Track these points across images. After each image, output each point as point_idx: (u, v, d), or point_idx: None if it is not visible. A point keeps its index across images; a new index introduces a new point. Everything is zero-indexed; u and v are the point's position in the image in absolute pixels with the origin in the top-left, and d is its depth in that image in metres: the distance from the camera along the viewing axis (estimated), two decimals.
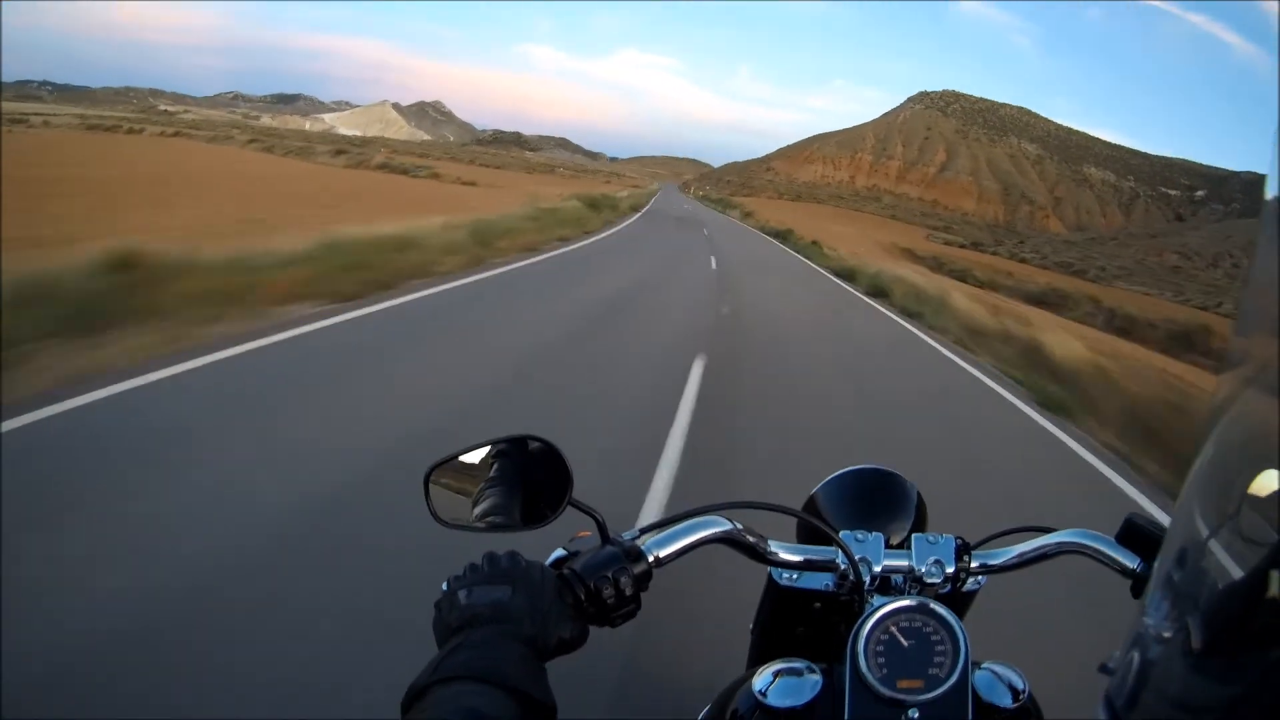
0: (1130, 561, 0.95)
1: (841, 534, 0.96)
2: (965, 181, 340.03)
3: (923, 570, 0.94)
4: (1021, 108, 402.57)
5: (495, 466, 0.93)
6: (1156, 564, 0.45)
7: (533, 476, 0.92)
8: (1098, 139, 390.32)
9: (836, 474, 1.21)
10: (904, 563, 0.95)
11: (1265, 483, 0.37)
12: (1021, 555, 1.00)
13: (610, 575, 0.82)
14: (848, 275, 23.44)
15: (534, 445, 0.92)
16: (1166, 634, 0.41)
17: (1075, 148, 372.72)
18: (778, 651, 0.96)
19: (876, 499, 1.18)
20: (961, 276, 45.63)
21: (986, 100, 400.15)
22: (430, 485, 0.91)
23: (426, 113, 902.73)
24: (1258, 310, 0.41)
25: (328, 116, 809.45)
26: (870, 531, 0.97)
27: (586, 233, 23.49)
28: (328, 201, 24.19)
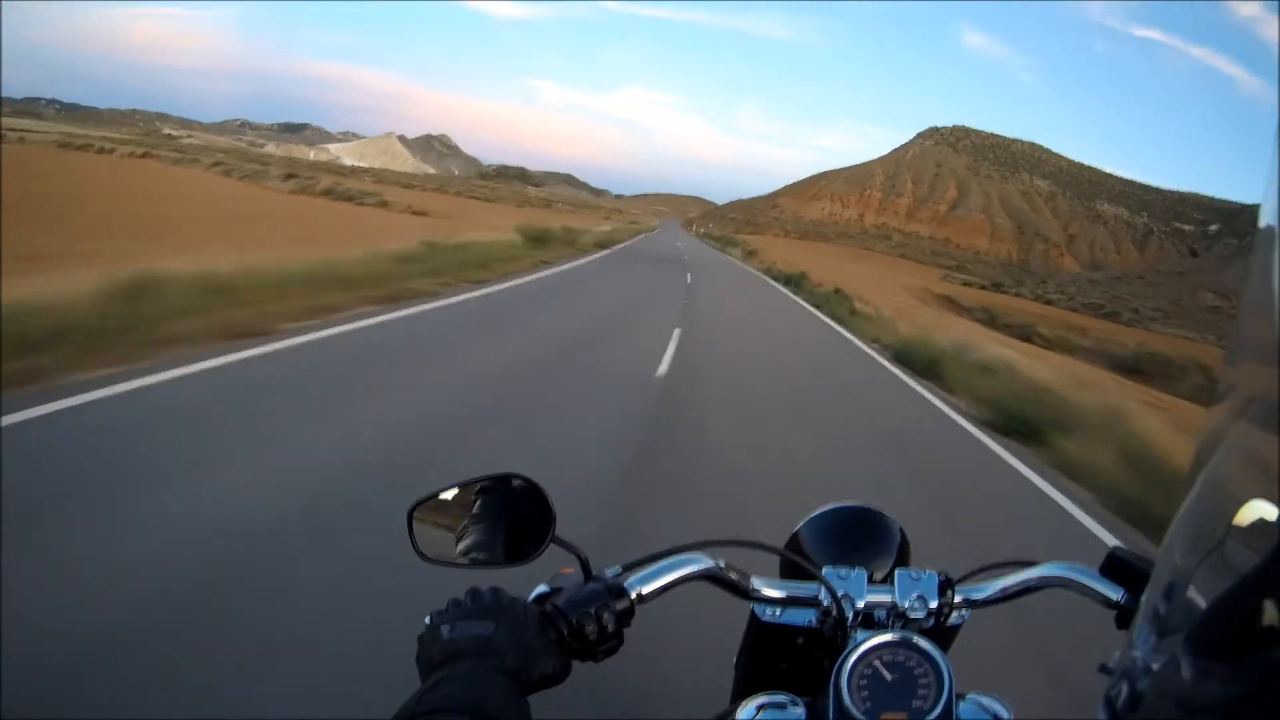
0: (1114, 594, 0.95)
1: (824, 570, 0.96)
2: (977, 219, 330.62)
3: (906, 605, 0.94)
4: (1032, 143, 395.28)
5: (478, 503, 0.94)
6: (1148, 588, 0.46)
7: (516, 513, 0.93)
8: (1109, 175, 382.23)
9: (819, 511, 1.22)
10: (887, 598, 0.95)
11: (1249, 513, 0.38)
12: (1005, 589, 1.00)
13: (593, 611, 0.82)
14: (928, 369, 12.25)
15: (517, 483, 0.93)
16: (1166, 636, 0.42)
17: (1087, 184, 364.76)
18: (761, 686, 0.97)
19: (859, 535, 1.18)
20: (1025, 335, 36.12)
21: (997, 136, 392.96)
22: (414, 522, 0.91)
23: (432, 146, 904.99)
24: (1249, 340, 0.41)
25: (333, 147, 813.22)
26: (853, 568, 0.98)
27: (493, 277, 16.03)
28: (215, 227, 20.77)
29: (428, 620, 0.82)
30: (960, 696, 0.86)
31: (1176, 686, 0.40)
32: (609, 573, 0.88)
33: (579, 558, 0.86)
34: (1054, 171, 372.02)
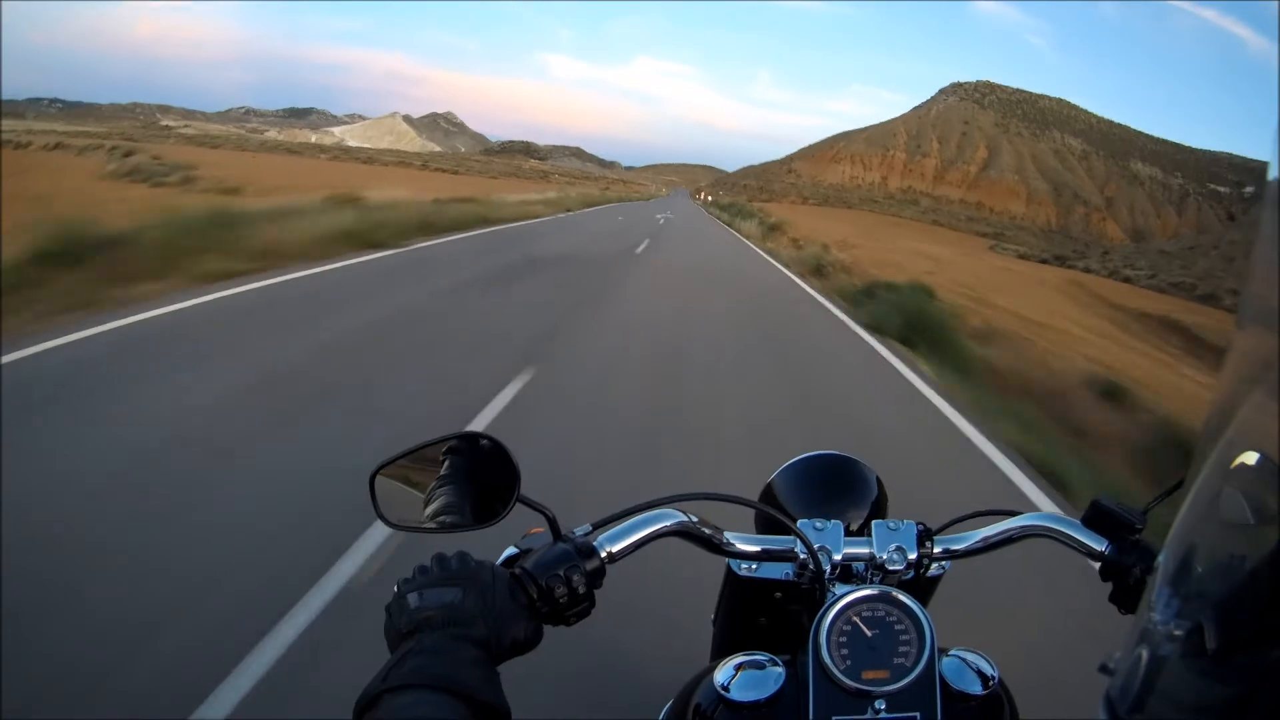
0: (1097, 544, 0.93)
1: (799, 522, 0.95)
2: (1011, 181, 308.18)
3: (884, 557, 0.93)
4: (1060, 99, 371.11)
5: (445, 465, 0.91)
6: (1160, 561, 0.45)
7: (483, 474, 0.90)
8: (1140, 133, 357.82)
9: (793, 460, 1.19)
10: (865, 550, 0.93)
11: (1246, 460, 0.37)
12: (985, 539, 0.98)
13: (562, 573, 0.81)
14: None
15: (483, 442, 0.91)
16: (1171, 633, 0.41)
17: (1119, 142, 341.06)
18: (740, 643, 0.95)
19: (835, 485, 1.16)
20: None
21: (1024, 91, 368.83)
22: (376, 485, 0.89)
23: (438, 124, 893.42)
24: (1262, 302, 0.39)
25: (337, 130, 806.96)
26: (829, 519, 0.96)
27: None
28: None
29: (395, 589, 0.79)
30: (943, 651, 0.84)
31: (1178, 686, 0.40)
32: (578, 531, 0.86)
33: (546, 516, 0.84)
34: (1084, 129, 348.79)
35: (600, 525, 0.88)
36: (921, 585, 0.96)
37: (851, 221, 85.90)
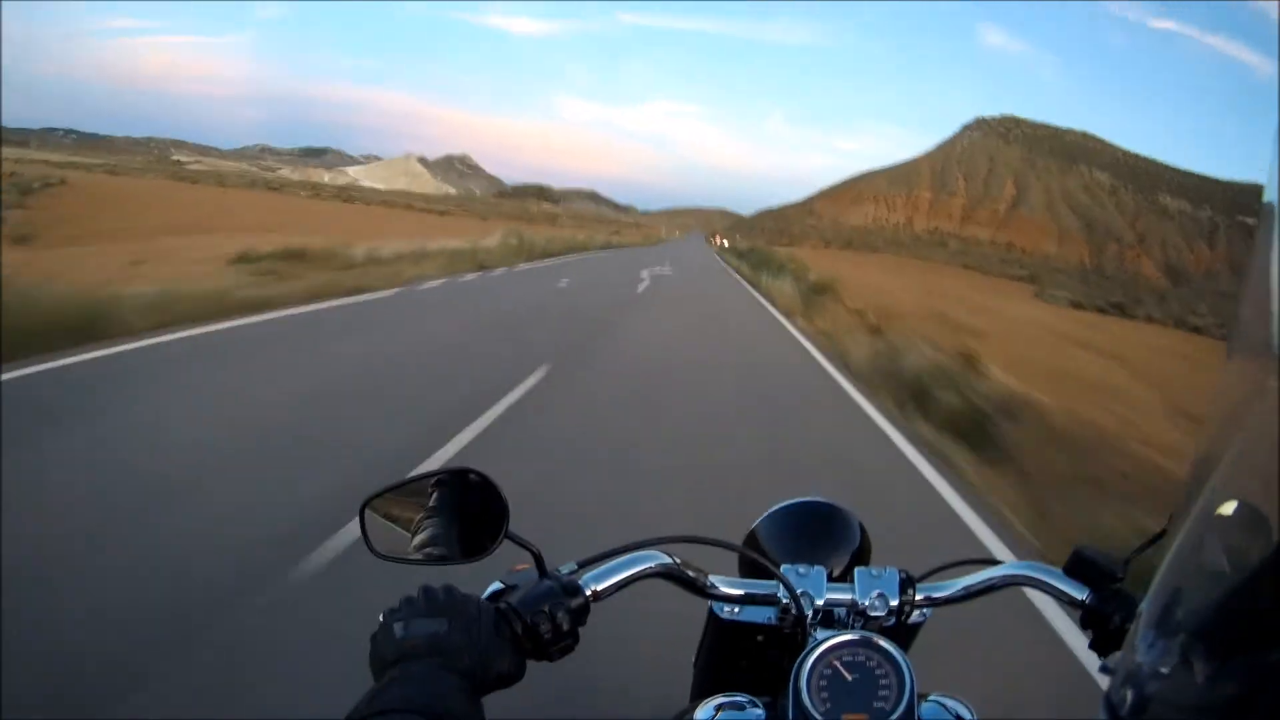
0: (1078, 593, 0.94)
1: (783, 568, 0.95)
2: (1041, 218, 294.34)
3: (866, 603, 0.94)
4: (1084, 133, 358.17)
5: (434, 498, 0.92)
6: (1142, 608, 0.45)
7: (471, 509, 0.91)
8: (1166, 165, 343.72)
9: (776, 507, 1.20)
10: (847, 596, 0.94)
11: (1227, 510, 0.38)
12: (968, 588, 0.99)
13: (547, 610, 0.81)
14: None
15: (472, 477, 0.91)
16: (1169, 636, 0.41)
17: (1146, 175, 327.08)
18: (720, 685, 0.96)
19: (817, 531, 1.17)
20: None
21: (1048, 126, 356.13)
22: (366, 517, 0.90)
23: (453, 166, 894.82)
24: (1256, 326, 0.39)
25: (352, 170, 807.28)
26: (812, 565, 0.97)
27: None
28: None
29: (380, 618, 0.80)
30: (922, 697, 0.84)
31: (1178, 687, 0.40)
32: (563, 569, 0.87)
33: (533, 554, 0.85)
34: (1110, 163, 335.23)
35: (586, 564, 0.89)
36: (903, 631, 0.96)
37: (870, 265, 74.21)
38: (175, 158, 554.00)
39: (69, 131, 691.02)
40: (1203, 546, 0.41)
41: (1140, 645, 0.44)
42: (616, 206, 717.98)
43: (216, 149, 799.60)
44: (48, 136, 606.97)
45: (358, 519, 0.91)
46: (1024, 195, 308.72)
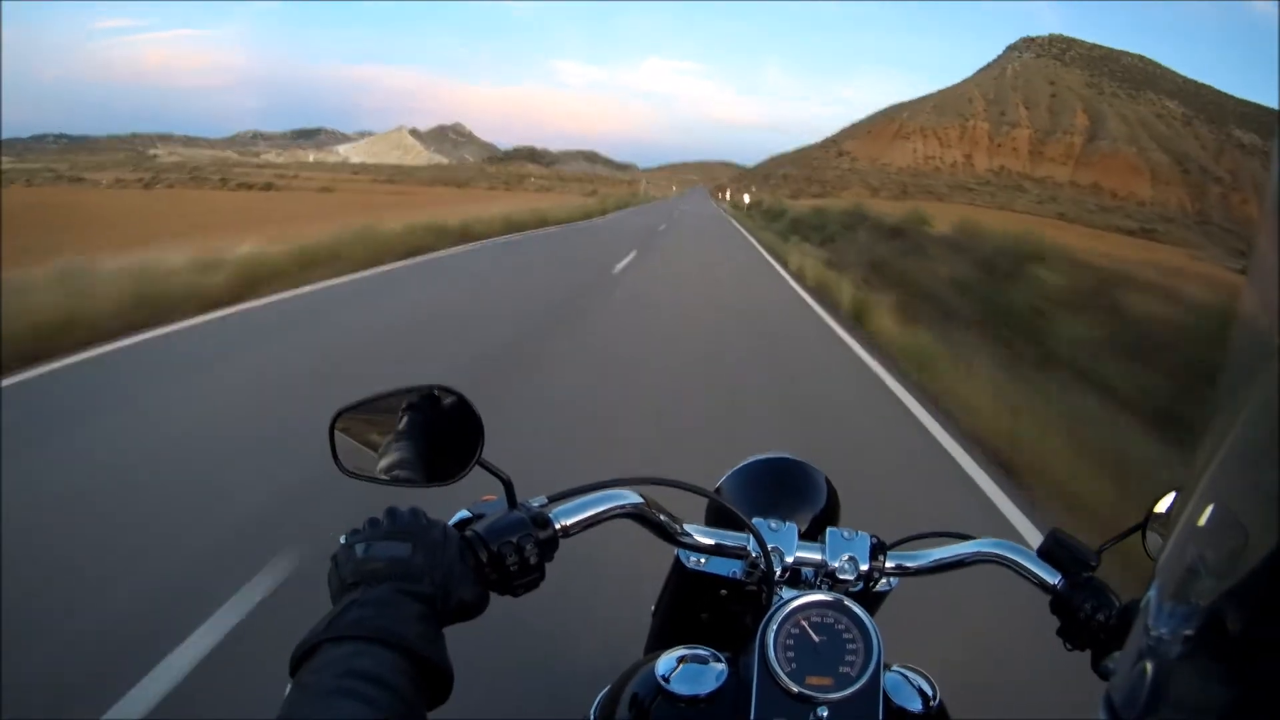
0: (1050, 577, 0.93)
1: (754, 521, 0.94)
2: (1126, 155, 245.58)
3: (835, 566, 0.93)
4: (1141, 56, 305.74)
5: (405, 419, 0.89)
6: (1159, 564, 0.44)
7: (444, 431, 0.88)
8: (1226, 94, 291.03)
9: (745, 462, 1.19)
10: (817, 556, 0.93)
11: (1164, 502, 0.37)
12: (939, 561, 0.98)
13: (515, 541, 0.79)
14: None
15: (447, 398, 0.88)
16: (1169, 635, 0.41)
17: (1212, 105, 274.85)
18: (679, 637, 0.96)
19: (785, 488, 1.16)
20: None
21: (1102, 47, 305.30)
22: (336, 432, 0.87)
23: (446, 135, 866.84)
24: (1260, 312, 0.37)
25: (342, 148, 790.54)
26: (784, 521, 0.97)
27: None
28: None
29: (342, 540, 0.78)
30: (886, 666, 0.84)
31: (1178, 687, 0.40)
32: (534, 502, 0.85)
33: (504, 482, 0.83)
34: (1175, 90, 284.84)
35: (556, 498, 0.87)
36: (869, 598, 0.96)
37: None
38: (152, 152, 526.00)
39: (59, 136, 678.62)
40: (1197, 547, 0.41)
41: (1139, 645, 0.44)
42: (615, 165, 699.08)
43: (205, 139, 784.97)
44: (35, 144, 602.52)
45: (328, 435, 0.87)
46: (1100, 126, 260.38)
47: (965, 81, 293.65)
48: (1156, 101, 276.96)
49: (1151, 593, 0.44)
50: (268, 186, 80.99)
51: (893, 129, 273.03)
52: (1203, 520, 0.40)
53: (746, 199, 66.36)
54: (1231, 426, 0.38)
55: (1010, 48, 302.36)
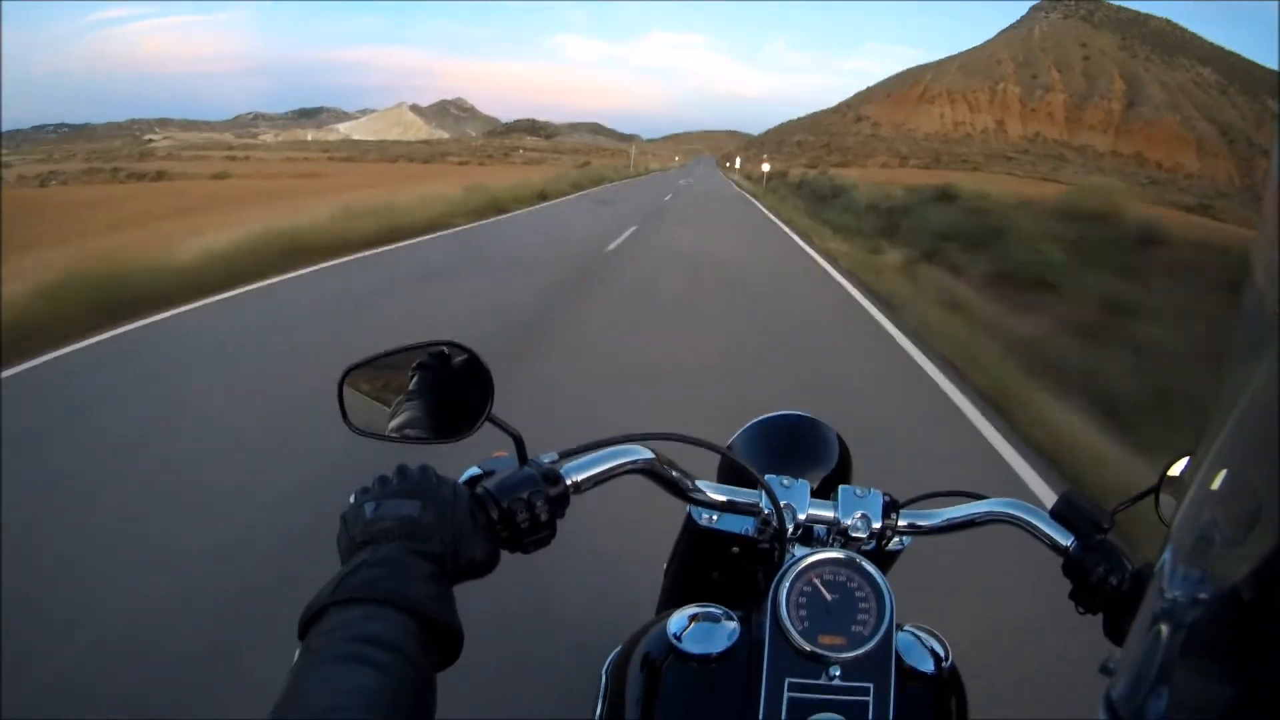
0: (1063, 539, 0.92)
1: (766, 477, 0.93)
2: (1170, 123, 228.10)
3: (848, 523, 0.92)
4: (1167, 20, 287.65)
5: (415, 377, 0.89)
6: (1173, 527, 0.43)
7: (454, 387, 0.87)
8: (1256, 63, 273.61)
9: (756, 420, 1.19)
10: (829, 513, 0.93)
11: (1178, 466, 0.37)
12: (950, 520, 0.97)
13: (525, 497, 0.79)
14: None
15: (457, 354, 0.88)
16: (1184, 599, 0.40)
17: (1242, 72, 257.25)
18: (691, 595, 0.95)
19: (797, 445, 1.15)
20: None
21: (1129, 9, 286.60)
22: (345, 390, 0.86)
23: (448, 111, 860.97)
24: (1268, 285, 0.37)
25: (342, 126, 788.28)
26: (796, 478, 0.96)
27: None
28: None
29: (351, 498, 0.77)
30: (899, 626, 0.84)
31: (1178, 687, 0.40)
32: (544, 458, 0.84)
33: (514, 438, 0.82)
34: (1205, 56, 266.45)
35: (567, 455, 0.86)
36: (881, 557, 0.95)
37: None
38: (148, 138, 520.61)
39: (59, 126, 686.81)
40: (1213, 510, 0.40)
41: (1140, 644, 0.43)
42: (620, 136, 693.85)
43: (205, 122, 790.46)
44: (35, 134, 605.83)
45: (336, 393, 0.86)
46: (1138, 91, 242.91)
47: (991, 42, 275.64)
48: (1190, 68, 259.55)
49: (1166, 555, 0.44)
50: (159, 176, 72.44)
51: (916, 92, 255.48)
52: (1216, 485, 0.39)
53: (766, 168, 50.74)
54: (1243, 392, 0.37)
55: (1035, 7, 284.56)
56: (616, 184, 44.14)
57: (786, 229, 19.26)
